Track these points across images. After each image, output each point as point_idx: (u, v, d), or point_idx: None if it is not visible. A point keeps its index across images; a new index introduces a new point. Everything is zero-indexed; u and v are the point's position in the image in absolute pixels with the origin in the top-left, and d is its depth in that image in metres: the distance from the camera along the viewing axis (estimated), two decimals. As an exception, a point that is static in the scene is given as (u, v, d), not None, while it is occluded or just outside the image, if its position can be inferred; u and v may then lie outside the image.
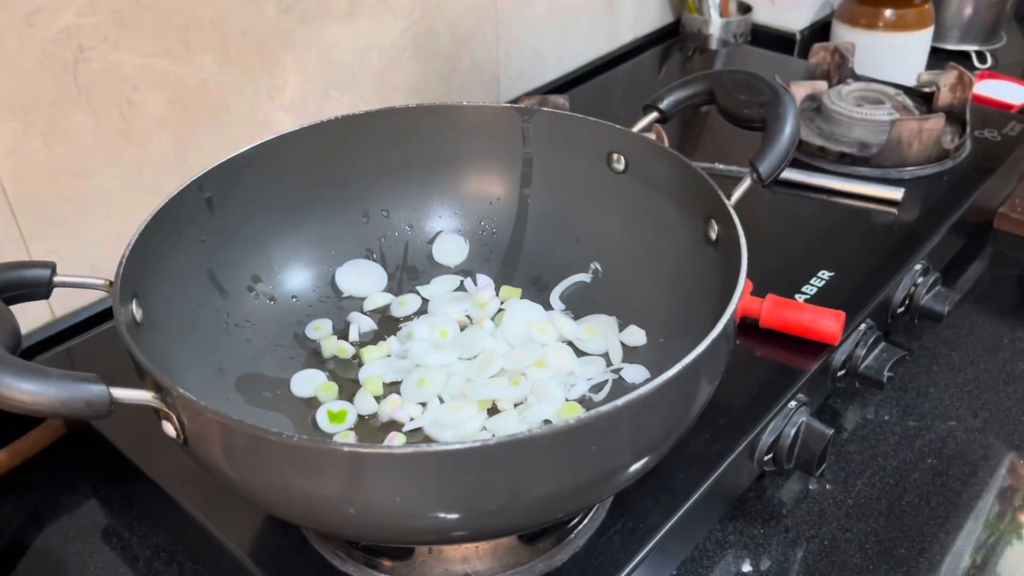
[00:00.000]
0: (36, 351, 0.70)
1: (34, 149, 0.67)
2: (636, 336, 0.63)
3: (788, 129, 0.57)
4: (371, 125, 0.66)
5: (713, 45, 1.21)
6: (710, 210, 0.57)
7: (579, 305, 0.67)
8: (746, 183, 0.57)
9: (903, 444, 0.69)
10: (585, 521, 0.54)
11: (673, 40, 1.24)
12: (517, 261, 0.70)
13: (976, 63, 1.24)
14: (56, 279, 0.49)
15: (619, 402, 0.41)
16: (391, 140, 0.67)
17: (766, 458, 0.62)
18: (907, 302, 0.76)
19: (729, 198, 0.55)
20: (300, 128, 0.63)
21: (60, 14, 0.65)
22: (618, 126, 0.63)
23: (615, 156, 0.64)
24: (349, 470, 0.40)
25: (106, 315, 0.74)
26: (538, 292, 0.68)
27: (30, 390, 0.38)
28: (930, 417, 0.71)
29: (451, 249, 0.71)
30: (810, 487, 0.66)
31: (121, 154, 0.72)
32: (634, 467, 0.46)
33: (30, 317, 0.71)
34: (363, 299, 0.68)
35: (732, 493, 0.63)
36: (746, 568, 0.60)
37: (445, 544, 0.50)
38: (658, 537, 0.54)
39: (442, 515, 0.42)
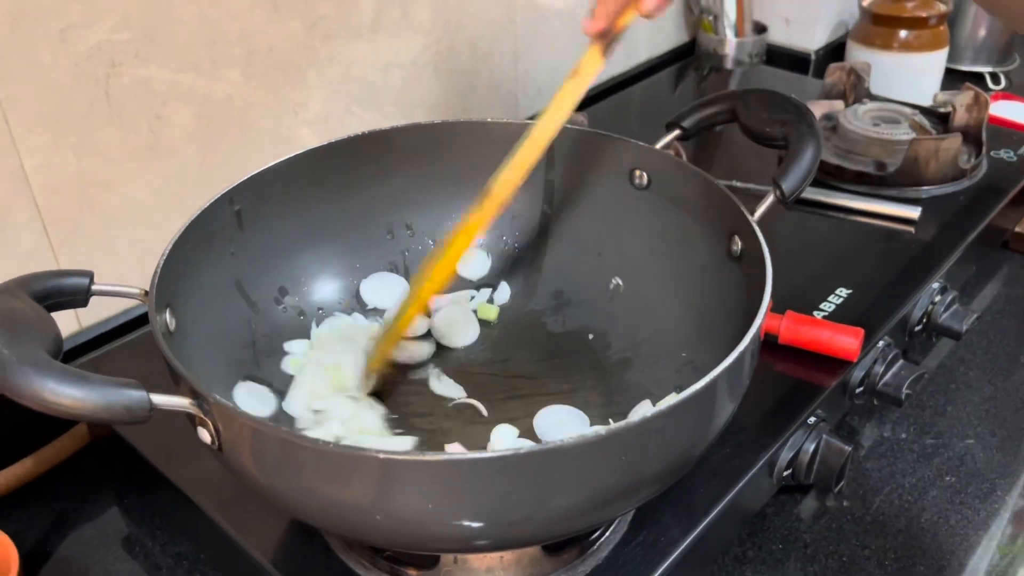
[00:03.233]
0: (64, 361, 0.71)
1: (65, 162, 0.68)
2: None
3: (811, 147, 0.58)
4: (396, 140, 0.67)
5: (728, 65, 1.23)
6: (733, 226, 0.57)
7: (599, 317, 0.67)
8: (769, 200, 0.57)
9: (921, 462, 0.69)
10: (607, 533, 0.55)
11: (688, 59, 1.25)
12: (539, 276, 0.71)
13: (990, 84, 1.25)
14: (94, 287, 0.50)
15: (648, 414, 0.41)
16: (416, 156, 0.68)
17: (785, 474, 0.62)
18: (925, 320, 0.76)
19: (752, 215, 0.55)
20: (328, 143, 0.65)
21: (93, 29, 0.66)
22: (641, 143, 0.64)
23: (637, 172, 0.65)
24: (382, 476, 0.41)
25: (131, 325, 0.75)
26: (560, 307, 0.69)
27: (74, 395, 0.39)
28: (948, 435, 0.72)
29: (473, 263, 0.71)
30: (828, 504, 0.66)
31: (149, 167, 0.73)
32: (659, 480, 0.46)
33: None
34: (386, 311, 0.69)
35: (751, 508, 0.63)
36: (765, 583, 0.60)
37: (472, 553, 0.51)
38: (680, 550, 0.54)
39: (472, 523, 0.42)
